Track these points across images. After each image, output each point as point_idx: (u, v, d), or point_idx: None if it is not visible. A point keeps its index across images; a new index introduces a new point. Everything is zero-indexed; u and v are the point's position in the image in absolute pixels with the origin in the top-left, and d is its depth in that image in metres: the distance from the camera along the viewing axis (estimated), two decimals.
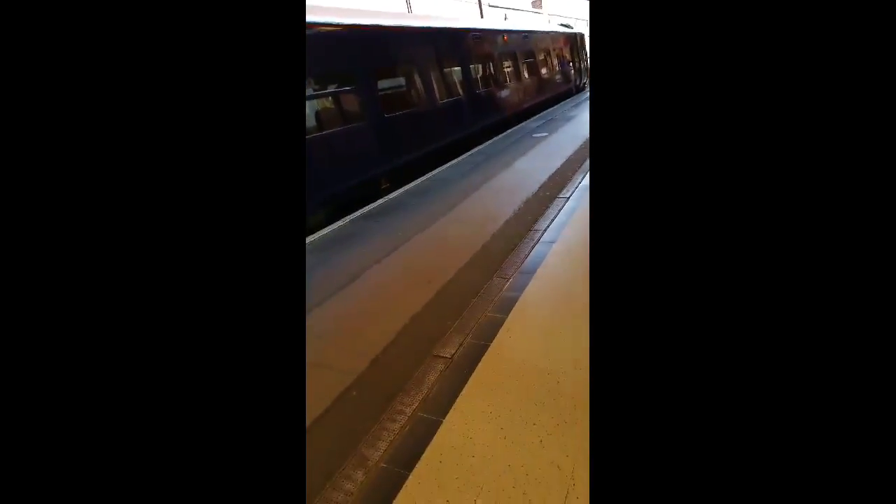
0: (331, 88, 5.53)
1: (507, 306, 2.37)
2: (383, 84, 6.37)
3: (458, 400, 1.74)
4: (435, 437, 1.59)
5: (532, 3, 22.45)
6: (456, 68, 8.29)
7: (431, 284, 2.84)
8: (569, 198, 3.95)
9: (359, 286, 3.08)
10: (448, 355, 2.07)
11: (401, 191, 5.63)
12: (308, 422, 1.81)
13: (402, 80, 6.89)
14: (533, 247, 3.09)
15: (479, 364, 1.93)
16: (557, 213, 3.62)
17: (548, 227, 3.38)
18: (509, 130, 9.05)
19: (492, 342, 2.07)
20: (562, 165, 5.16)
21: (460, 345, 2.12)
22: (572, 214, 3.54)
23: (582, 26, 20.13)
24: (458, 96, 8.32)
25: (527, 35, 11.59)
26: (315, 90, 5.30)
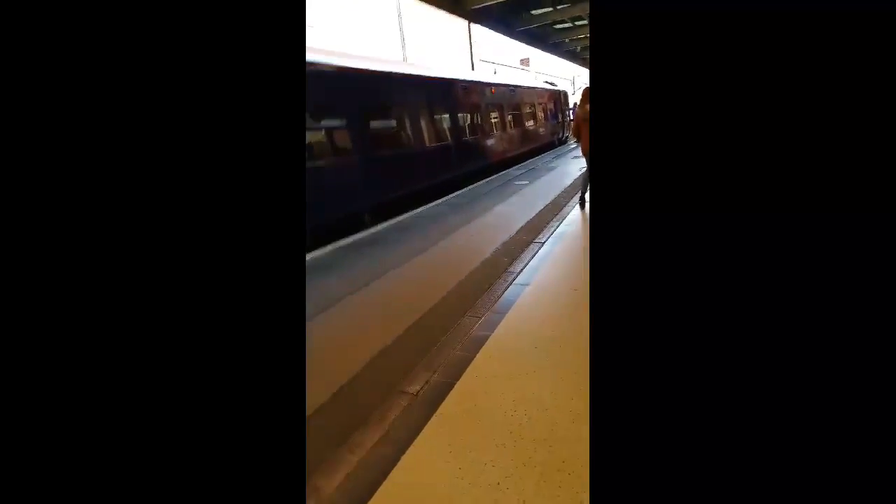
0: (325, 123, 5.70)
1: (477, 345, 2.39)
2: (374, 124, 6.60)
3: (418, 437, 1.72)
4: (392, 473, 1.55)
5: (521, 60, 23.93)
6: (445, 115, 8.66)
7: (403, 319, 2.84)
8: (544, 243, 4.07)
9: (330, 315, 3.05)
10: (413, 391, 2.05)
11: (383, 225, 5.70)
12: None
13: (392, 122, 7.15)
14: (506, 288, 3.15)
15: (443, 402, 1.92)
16: (532, 257, 3.72)
17: (522, 269, 3.46)
18: (493, 177, 9.37)
19: (458, 381, 2.07)
20: (539, 212, 5.34)
21: (426, 382, 2.11)
22: (546, 259, 3.64)
23: (565, 84, 21.46)
24: (446, 141, 8.64)
25: (513, 89, 12.27)
26: (310, 125, 5.46)
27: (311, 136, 5.44)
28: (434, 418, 1.82)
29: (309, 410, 1.98)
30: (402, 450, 1.66)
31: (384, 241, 4.96)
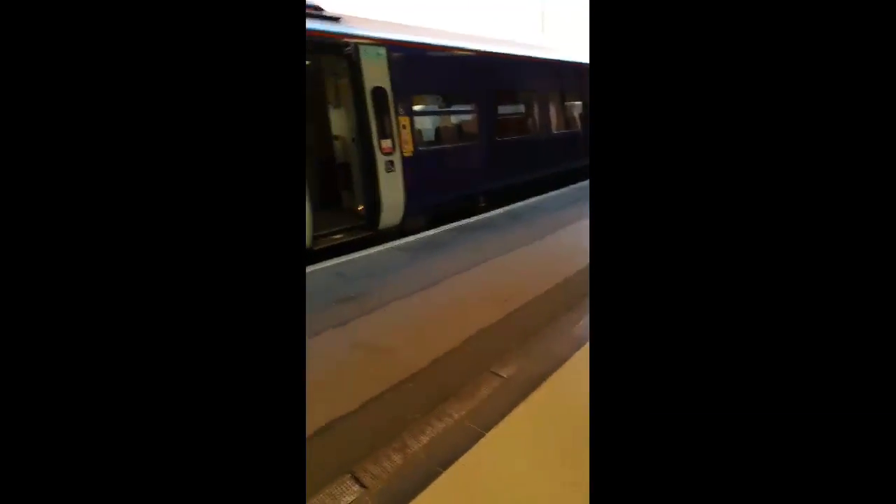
0: (455, 107, 5.90)
1: (576, 345, 2.32)
2: (502, 109, 6.60)
3: (504, 420, 1.76)
4: (474, 447, 1.63)
5: None
6: (577, 102, 8.27)
7: (506, 304, 2.88)
8: None
9: (437, 291, 3.23)
10: (505, 375, 2.09)
11: (496, 212, 5.75)
12: (361, 401, 1.97)
13: (521, 108, 7.07)
14: None
15: (534, 392, 1.93)
16: None
17: None
18: None
19: (552, 374, 2.05)
20: None
21: (519, 368, 2.13)
22: None
23: None
24: (575, 129, 8.26)
25: None
26: (441, 107, 5.71)
27: (439, 120, 5.70)
28: (522, 405, 1.84)
29: (404, 375, 2.16)
30: (487, 427, 1.72)
31: (495, 227, 5.01)
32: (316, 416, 1.85)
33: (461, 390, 2.01)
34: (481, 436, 1.68)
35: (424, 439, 1.71)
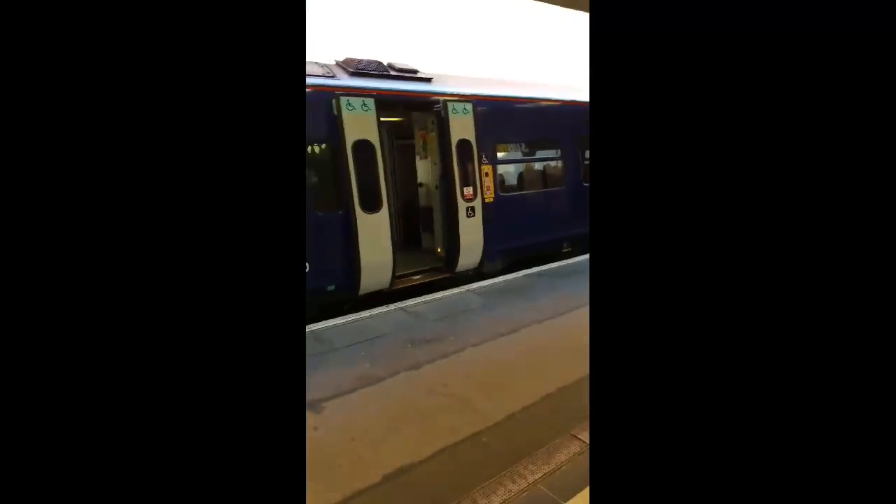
0: (543, 154, 5.97)
1: None
2: (587, 154, 6.51)
3: (585, 490, 1.61)
4: None
5: None
6: None
7: (585, 361, 2.69)
8: None
9: (516, 339, 3.14)
10: (586, 440, 1.93)
11: (581, 258, 5.54)
12: (433, 449, 1.94)
13: None
14: None
15: None
16: None
17: None
18: None
19: None
20: None
21: None
22: None
23: None
24: None
25: None
26: (524, 154, 5.81)
27: (527, 167, 5.79)
28: None
29: (479, 428, 2.09)
30: (566, 497, 1.58)
31: (578, 274, 4.81)
32: (386, 459, 1.85)
33: (537, 452, 1.88)
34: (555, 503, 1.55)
35: (496, 500, 1.62)
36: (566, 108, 6.18)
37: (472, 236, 4.91)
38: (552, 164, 6.09)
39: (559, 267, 5.19)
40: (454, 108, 4.77)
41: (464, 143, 4.83)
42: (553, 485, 1.67)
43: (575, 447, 1.89)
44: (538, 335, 3.20)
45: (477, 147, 4.93)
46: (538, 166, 6.09)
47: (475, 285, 4.63)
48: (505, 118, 5.42)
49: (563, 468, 1.76)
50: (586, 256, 5.60)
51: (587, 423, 2.05)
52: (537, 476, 1.73)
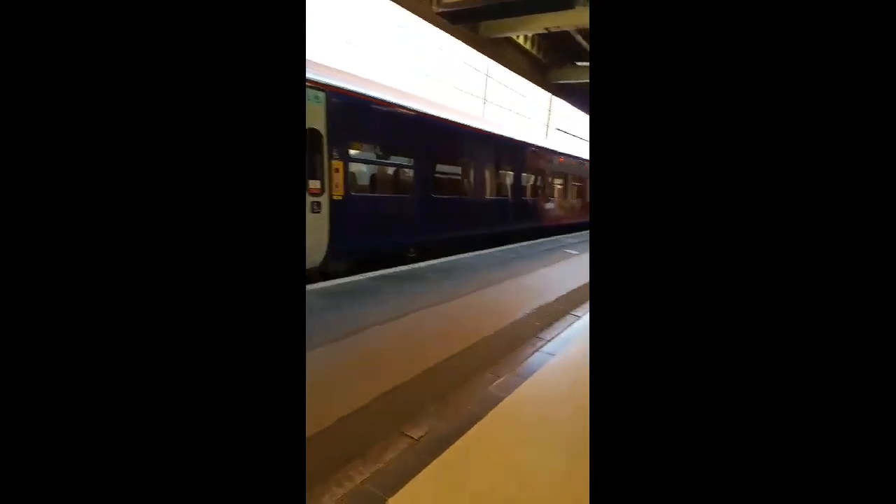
0: (395, 160, 6.06)
1: (490, 404, 2.32)
2: (440, 168, 6.91)
3: (409, 483, 1.67)
4: None
5: None
6: (510, 172, 8.91)
7: (423, 361, 2.83)
8: (580, 317, 3.96)
9: (355, 341, 3.10)
10: (415, 436, 2.01)
11: (424, 263, 5.80)
12: None
13: (458, 169, 7.45)
14: (533, 353, 3.06)
15: (442, 454, 1.86)
16: (565, 329, 3.61)
17: (553, 338, 3.37)
18: (545, 238, 9.35)
19: (462, 436, 2.01)
20: (583, 286, 5.23)
21: (431, 429, 2.06)
22: (580, 333, 3.53)
23: None
24: (506, 196, 8.82)
25: (581, 161, 12.43)
26: (378, 157, 5.83)
27: (377, 170, 5.81)
28: (429, 468, 1.76)
29: (309, 433, 1.98)
30: (390, 492, 1.61)
31: (422, 279, 5.04)
32: None
33: (368, 451, 1.88)
34: (382, 501, 1.57)
35: None
36: (425, 120, 6.45)
37: (315, 233, 4.68)
38: (405, 171, 6.27)
39: (405, 271, 5.34)
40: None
41: (313, 133, 4.60)
42: (380, 483, 1.68)
43: (404, 444, 1.94)
44: (376, 338, 3.22)
45: (328, 140, 4.74)
46: (391, 171, 6.19)
47: (318, 286, 4.43)
48: (361, 117, 5.36)
49: (391, 466, 1.79)
50: (432, 262, 5.90)
51: (417, 419, 2.14)
52: (365, 476, 1.72)
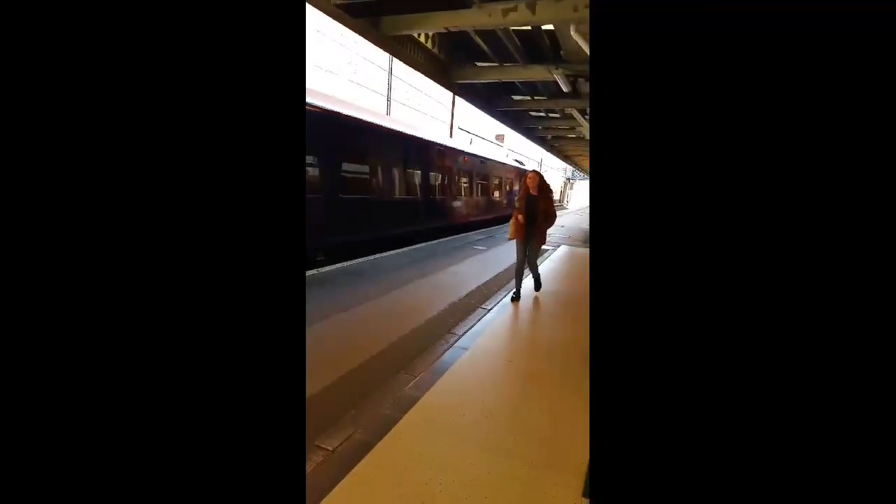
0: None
1: (406, 405, 2.32)
2: (347, 167, 6.71)
3: (326, 498, 1.61)
4: None
5: (496, 135, 25.60)
6: (417, 171, 8.97)
7: (336, 367, 2.74)
8: (489, 310, 4.15)
9: None
10: (331, 447, 1.94)
11: (334, 266, 5.61)
12: None
13: (365, 168, 7.30)
14: (447, 349, 3.14)
15: (360, 462, 1.83)
16: (476, 322, 3.76)
17: (465, 333, 3.48)
18: (454, 236, 9.61)
19: (379, 441, 1.99)
20: (491, 279, 5.49)
21: (346, 438, 2.01)
22: (489, 325, 3.70)
23: (533, 165, 23.02)
24: (415, 196, 8.87)
25: (484, 160, 13.00)
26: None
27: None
28: (347, 478, 1.72)
29: None
30: None
31: (332, 283, 4.87)
32: None
33: None
34: None
35: None
36: (330, 118, 6.21)
37: None
38: (308, 171, 5.97)
39: (313, 276, 5.10)
40: None
41: None
42: None
43: (318, 457, 1.86)
44: None
45: None
46: None
47: None
48: None
49: (307, 481, 1.71)
50: (339, 265, 5.71)
51: (332, 430, 2.07)
52: None
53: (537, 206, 4.28)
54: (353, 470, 1.77)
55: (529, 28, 6.20)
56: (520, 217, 4.32)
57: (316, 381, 2.53)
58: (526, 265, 4.52)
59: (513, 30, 6.19)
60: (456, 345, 3.24)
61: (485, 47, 6.83)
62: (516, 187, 16.29)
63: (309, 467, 1.79)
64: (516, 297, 4.45)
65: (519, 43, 6.59)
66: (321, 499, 1.59)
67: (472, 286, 5.04)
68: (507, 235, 4.66)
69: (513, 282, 4.58)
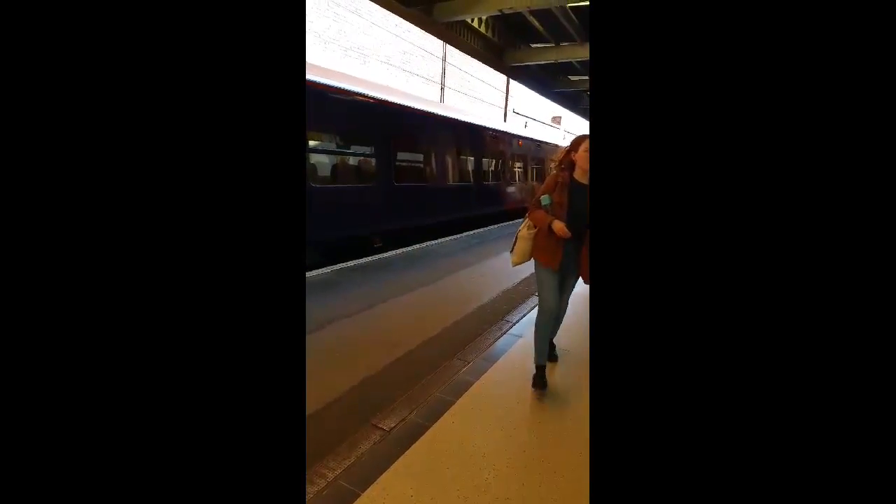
0: (356, 149, 5.92)
1: (460, 390, 2.35)
2: (402, 156, 6.82)
3: (383, 475, 1.67)
4: None
5: (552, 118, 24.69)
6: (471, 158, 8.92)
7: (393, 350, 2.83)
8: None
9: (324, 335, 3.05)
10: (387, 427, 2.01)
11: (392, 253, 5.76)
12: None
13: (419, 157, 7.38)
14: (500, 336, 3.12)
15: (416, 443, 1.88)
16: (531, 310, 3.70)
17: (519, 320, 3.45)
18: (508, 222, 9.48)
19: (434, 424, 2.03)
20: None
21: (402, 420, 2.08)
22: None
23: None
24: (468, 182, 8.84)
25: (539, 144, 12.62)
26: (338, 146, 5.68)
27: (338, 160, 5.66)
28: (402, 458, 1.78)
29: None
30: (363, 487, 1.62)
31: (390, 267, 5.00)
32: None
33: (339, 446, 1.87)
34: (356, 496, 1.57)
35: None
36: (383, 109, 6.31)
37: None
38: (364, 160, 6.14)
39: (370, 262, 5.28)
40: None
41: None
42: (352, 477, 1.68)
43: (376, 436, 1.95)
44: (348, 329, 3.19)
45: None
46: (353, 161, 6.04)
47: None
48: (315, 105, 5.20)
49: (364, 459, 1.79)
50: (396, 252, 5.85)
51: (388, 410, 2.15)
52: (338, 472, 1.71)
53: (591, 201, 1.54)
54: (409, 450, 1.83)
55: (587, 3, 5.87)
56: (556, 225, 2.08)
57: (374, 361, 2.63)
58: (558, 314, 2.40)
59: (570, 6, 5.89)
60: (510, 332, 3.21)
61: (540, 28, 6.57)
62: None
63: (366, 445, 1.88)
64: (541, 379, 2.34)
65: (576, 20, 6.27)
66: (379, 475, 1.67)
67: (526, 273, 4.95)
68: (513, 259, 2.36)
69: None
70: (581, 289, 2.51)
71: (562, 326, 2.70)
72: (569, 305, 2.60)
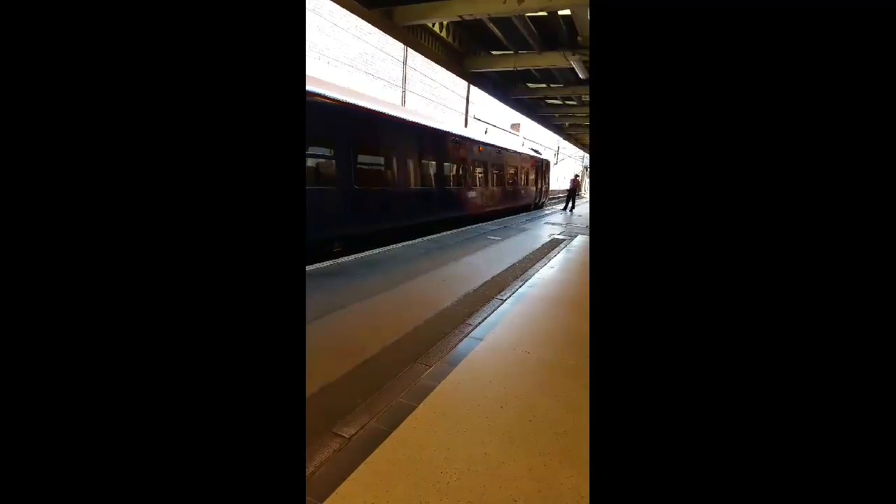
0: (315, 152, 5.78)
1: (422, 395, 2.35)
2: (362, 159, 6.73)
3: (342, 485, 1.64)
4: None
5: (511, 125, 25.31)
6: (432, 162, 8.95)
7: (352, 357, 2.77)
8: (505, 300, 4.14)
9: None
10: (347, 435, 1.97)
11: (349, 258, 5.66)
12: None
13: (380, 160, 7.32)
14: (461, 340, 3.15)
15: (376, 450, 1.86)
16: (492, 313, 3.75)
17: (480, 323, 3.48)
18: (467, 227, 9.59)
19: (395, 429, 2.01)
20: (506, 269, 5.46)
21: (363, 426, 2.04)
22: (504, 317, 3.69)
23: (549, 154, 22.73)
24: (430, 186, 8.85)
25: (500, 150, 12.87)
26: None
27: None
28: (362, 466, 1.75)
29: None
30: (322, 498, 1.57)
31: (348, 274, 4.92)
32: None
33: None
34: None
35: None
36: (345, 111, 6.21)
37: None
38: (324, 163, 6.01)
39: (329, 266, 5.16)
40: None
41: None
42: (311, 490, 1.63)
43: (335, 444, 1.90)
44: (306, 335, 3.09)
45: None
46: (311, 163, 5.89)
47: None
48: None
49: (322, 469, 1.75)
50: (355, 256, 5.76)
51: (349, 418, 2.10)
52: None
53: None
54: (369, 457, 1.80)
55: (545, 14, 6.07)
56: None
57: (333, 369, 2.57)
58: None
59: (528, 16, 6.07)
60: (471, 335, 3.24)
61: (500, 35, 6.72)
62: (532, 176, 16.11)
63: (326, 454, 1.83)
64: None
65: (534, 29, 6.47)
66: (338, 485, 1.63)
67: (487, 277, 5.02)
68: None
69: (529, 271, 4.49)
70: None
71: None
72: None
